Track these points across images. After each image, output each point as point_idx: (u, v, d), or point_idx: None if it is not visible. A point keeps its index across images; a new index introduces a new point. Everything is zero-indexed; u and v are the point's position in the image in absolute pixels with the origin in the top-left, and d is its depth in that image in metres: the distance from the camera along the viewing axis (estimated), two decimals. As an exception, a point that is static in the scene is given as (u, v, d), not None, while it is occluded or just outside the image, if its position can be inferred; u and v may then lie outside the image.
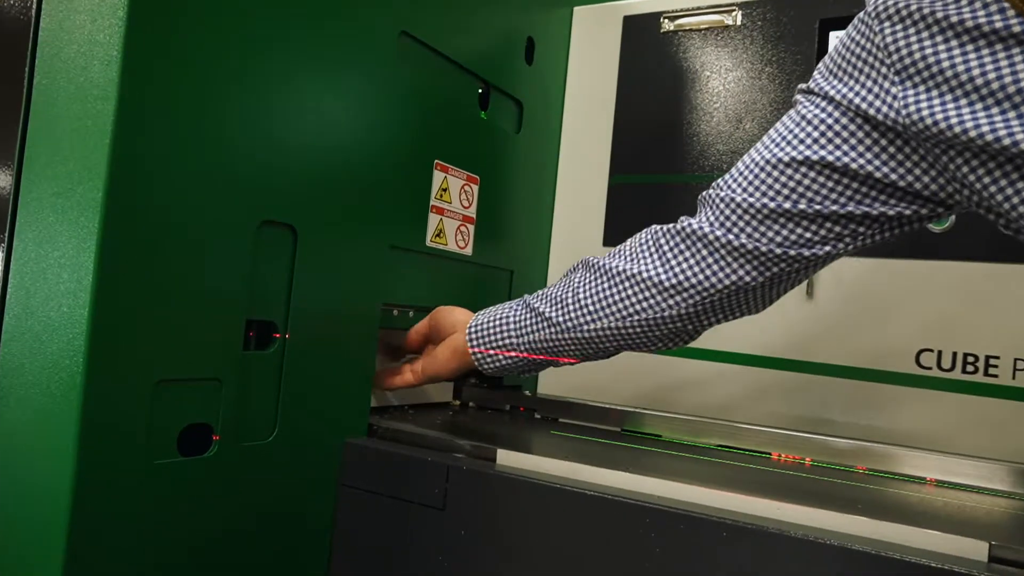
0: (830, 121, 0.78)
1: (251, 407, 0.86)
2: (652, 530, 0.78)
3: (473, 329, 1.02)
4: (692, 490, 0.80)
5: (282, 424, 0.89)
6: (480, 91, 1.25)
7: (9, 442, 0.73)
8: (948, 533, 0.70)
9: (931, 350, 1.12)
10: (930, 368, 1.12)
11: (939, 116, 0.69)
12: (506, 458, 0.93)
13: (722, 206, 0.85)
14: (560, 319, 0.96)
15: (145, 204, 0.72)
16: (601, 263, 0.94)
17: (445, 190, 1.14)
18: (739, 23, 1.31)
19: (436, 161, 1.12)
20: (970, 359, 1.10)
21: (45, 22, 0.74)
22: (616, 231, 1.37)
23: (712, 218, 0.86)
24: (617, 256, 0.94)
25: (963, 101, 0.68)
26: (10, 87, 0.76)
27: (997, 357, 1.08)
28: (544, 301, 0.98)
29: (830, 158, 0.78)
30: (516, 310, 1.01)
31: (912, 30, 0.71)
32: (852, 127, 0.77)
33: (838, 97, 0.78)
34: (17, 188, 0.74)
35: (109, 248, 0.69)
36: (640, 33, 1.40)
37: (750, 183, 0.83)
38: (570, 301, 0.95)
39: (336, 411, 0.97)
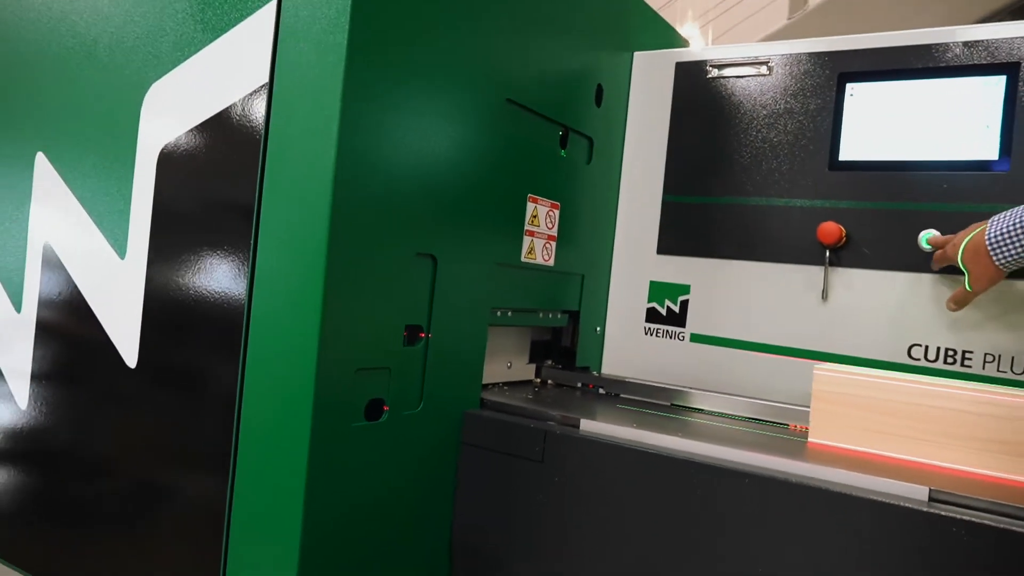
0: None
1: (406, 387, 1.20)
2: (694, 479, 1.10)
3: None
4: (723, 450, 1.13)
5: (425, 400, 1.23)
6: (560, 134, 1.55)
7: (259, 414, 1.09)
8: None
9: (920, 344, 1.41)
10: (919, 360, 1.41)
11: None
12: (587, 425, 1.25)
13: None
14: None
15: (352, 246, 1.06)
16: None
17: (535, 216, 1.46)
18: (771, 73, 1.59)
19: (529, 195, 1.44)
20: (950, 352, 1.38)
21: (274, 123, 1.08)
22: (668, 242, 1.68)
23: None
24: None
25: None
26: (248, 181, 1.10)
27: (972, 352, 1.37)
28: None
29: None
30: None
31: None
32: None
33: None
34: (257, 233, 1.09)
35: (331, 279, 1.03)
36: (690, 77, 1.68)
37: None
38: None
39: (460, 389, 1.31)
